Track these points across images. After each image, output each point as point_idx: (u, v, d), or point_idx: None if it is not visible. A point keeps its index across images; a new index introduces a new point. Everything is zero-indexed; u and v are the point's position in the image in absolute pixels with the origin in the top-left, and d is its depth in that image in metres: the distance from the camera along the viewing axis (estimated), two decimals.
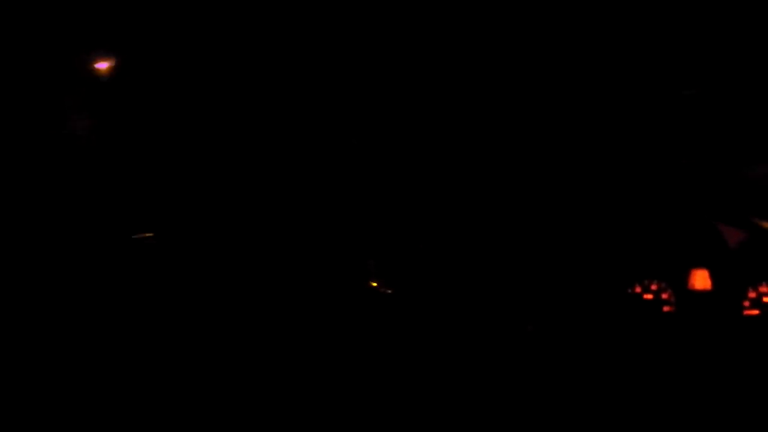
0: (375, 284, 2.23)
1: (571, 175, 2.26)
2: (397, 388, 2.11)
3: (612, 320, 2.18)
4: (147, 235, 2.20)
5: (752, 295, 2.15)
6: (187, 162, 2.23)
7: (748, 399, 2.07)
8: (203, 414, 2.05)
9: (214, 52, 2.14)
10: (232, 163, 2.24)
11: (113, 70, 2.10)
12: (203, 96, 2.20)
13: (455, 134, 2.22)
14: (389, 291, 2.23)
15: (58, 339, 2.09)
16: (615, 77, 2.19)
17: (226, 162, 2.24)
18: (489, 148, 2.24)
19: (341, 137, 2.21)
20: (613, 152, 2.23)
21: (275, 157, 2.25)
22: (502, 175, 2.25)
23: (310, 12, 2.06)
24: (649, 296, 2.18)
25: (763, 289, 2.15)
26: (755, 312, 2.15)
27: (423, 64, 2.10)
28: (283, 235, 2.26)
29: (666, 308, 2.18)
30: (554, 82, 2.16)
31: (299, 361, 2.15)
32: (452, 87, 2.16)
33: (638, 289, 2.18)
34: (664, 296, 2.18)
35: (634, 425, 2.07)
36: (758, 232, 2.17)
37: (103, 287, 2.17)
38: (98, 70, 2.13)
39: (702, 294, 2.16)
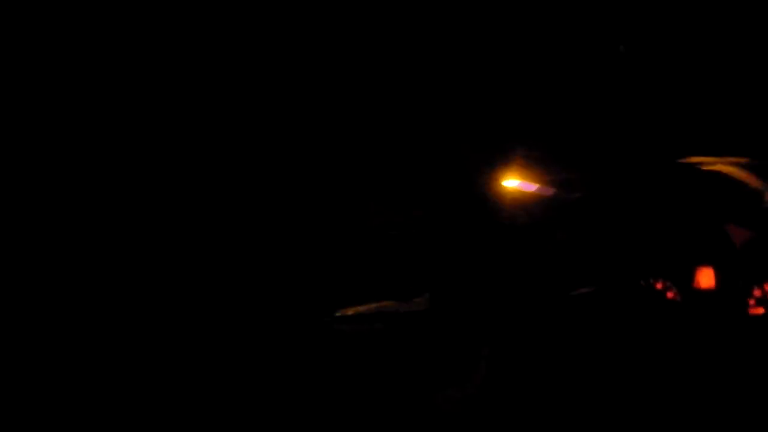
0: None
1: (575, 175, 2.27)
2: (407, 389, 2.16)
3: (618, 319, 2.20)
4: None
5: (758, 293, 2.14)
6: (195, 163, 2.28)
7: (753, 397, 2.07)
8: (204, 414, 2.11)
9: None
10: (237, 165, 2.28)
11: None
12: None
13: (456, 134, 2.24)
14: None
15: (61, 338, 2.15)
16: (618, 75, 2.19)
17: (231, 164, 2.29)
18: (496, 145, 2.26)
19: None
20: (618, 151, 2.23)
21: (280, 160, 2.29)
22: (507, 175, 2.27)
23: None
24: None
25: None
26: (761, 310, 2.14)
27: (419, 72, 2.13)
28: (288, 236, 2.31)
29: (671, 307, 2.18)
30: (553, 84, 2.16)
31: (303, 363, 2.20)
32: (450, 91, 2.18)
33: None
34: (670, 295, 2.18)
35: (639, 423, 2.09)
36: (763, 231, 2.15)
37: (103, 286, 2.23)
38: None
39: (707, 292, 2.16)
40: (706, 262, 2.17)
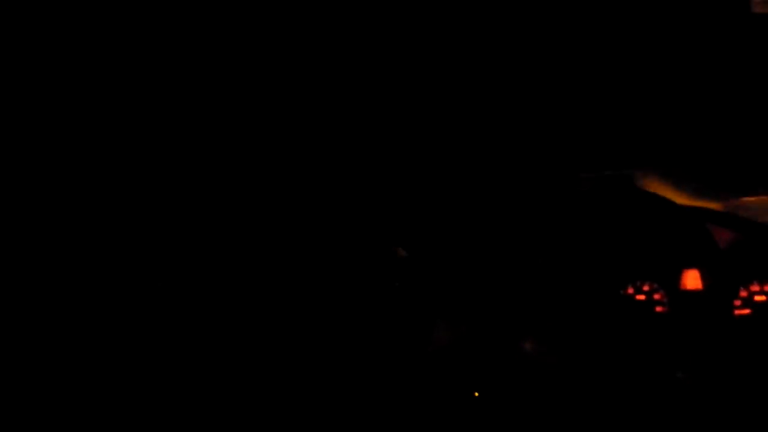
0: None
1: (564, 176, 2.30)
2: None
3: (604, 322, 2.20)
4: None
5: (743, 294, 2.17)
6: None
7: (740, 398, 2.08)
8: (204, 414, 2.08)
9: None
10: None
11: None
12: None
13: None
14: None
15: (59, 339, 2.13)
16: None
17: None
18: (486, 149, 2.29)
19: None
20: (606, 155, 2.26)
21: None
22: (497, 179, 2.29)
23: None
24: (642, 297, 2.20)
25: (754, 288, 2.16)
26: (747, 311, 2.16)
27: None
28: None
29: (658, 309, 2.19)
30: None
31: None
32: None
33: (630, 290, 2.21)
34: (657, 297, 2.20)
35: (627, 426, 2.09)
36: (749, 231, 2.19)
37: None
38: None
39: (693, 294, 2.18)
40: (692, 264, 2.19)
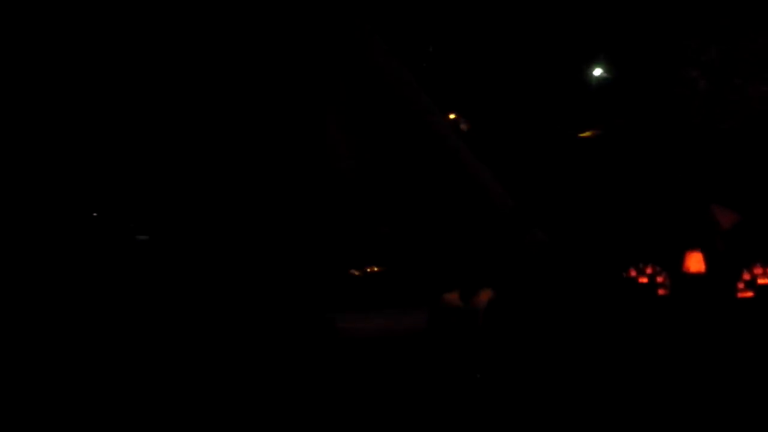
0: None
1: (565, 159, 2.31)
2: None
3: (607, 304, 2.20)
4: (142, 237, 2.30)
5: (747, 276, 2.14)
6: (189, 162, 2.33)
7: (743, 381, 2.04)
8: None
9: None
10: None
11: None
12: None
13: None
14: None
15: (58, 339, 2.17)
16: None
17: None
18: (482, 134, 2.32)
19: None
20: (607, 137, 2.27)
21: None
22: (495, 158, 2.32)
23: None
24: (644, 279, 2.19)
25: (757, 270, 2.13)
26: (750, 294, 2.13)
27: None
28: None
29: (661, 291, 2.18)
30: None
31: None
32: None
33: (633, 273, 2.20)
34: (659, 279, 2.18)
35: (628, 409, 2.07)
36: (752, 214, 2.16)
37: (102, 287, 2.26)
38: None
39: (696, 277, 2.16)
40: (695, 246, 2.17)
